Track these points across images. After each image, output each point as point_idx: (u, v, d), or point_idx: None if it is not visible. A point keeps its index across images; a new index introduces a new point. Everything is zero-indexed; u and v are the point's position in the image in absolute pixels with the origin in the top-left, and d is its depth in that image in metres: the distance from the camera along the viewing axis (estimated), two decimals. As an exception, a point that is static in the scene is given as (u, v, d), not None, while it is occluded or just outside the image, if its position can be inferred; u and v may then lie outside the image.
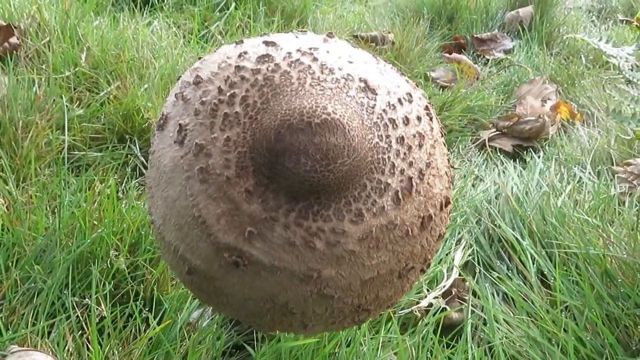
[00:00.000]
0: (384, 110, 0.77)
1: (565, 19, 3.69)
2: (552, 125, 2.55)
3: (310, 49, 0.81)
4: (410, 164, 0.77)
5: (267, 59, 0.80)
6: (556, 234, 1.60)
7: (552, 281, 1.52)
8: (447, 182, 0.83)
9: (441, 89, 3.00)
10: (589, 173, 2.01)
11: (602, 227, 1.50)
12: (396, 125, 0.77)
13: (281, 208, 0.73)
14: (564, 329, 1.29)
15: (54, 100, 1.99)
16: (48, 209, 1.54)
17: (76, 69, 2.19)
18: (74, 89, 2.14)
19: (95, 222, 1.49)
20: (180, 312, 1.34)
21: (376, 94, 0.78)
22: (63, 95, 2.02)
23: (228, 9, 3.17)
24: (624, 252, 1.39)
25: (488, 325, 1.37)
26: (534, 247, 1.59)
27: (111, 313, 1.29)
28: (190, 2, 3.37)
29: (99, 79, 2.18)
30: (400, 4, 4.03)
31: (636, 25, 2.62)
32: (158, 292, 1.40)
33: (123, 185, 1.79)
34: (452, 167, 0.89)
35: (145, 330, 1.29)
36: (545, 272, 1.56)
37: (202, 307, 1.39)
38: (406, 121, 0.79)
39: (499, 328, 1.33)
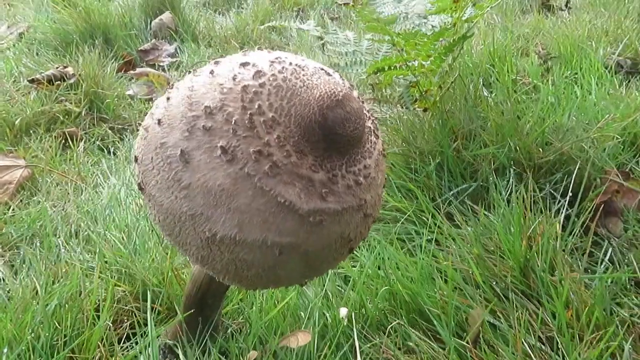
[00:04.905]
0: (343, 84, 1.10)
1: (198, 17, 4.26)
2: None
3: (276, 58, 1.05)
4: (370, 113, 1.13)
5: (260, 74, 1.00)
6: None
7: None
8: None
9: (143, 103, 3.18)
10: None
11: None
12: (353, 90, 1.12)
13: (336, 166, 0.99)
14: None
15: None
16: None
17: None
18: None
19: None
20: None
21: (332, 75, 1.10)
22: None
23: None
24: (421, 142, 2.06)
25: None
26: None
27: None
28: None
29: None
30: (39, 38, 3.85)
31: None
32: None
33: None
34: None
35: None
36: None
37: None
38: (353, 89, 1.14)
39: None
